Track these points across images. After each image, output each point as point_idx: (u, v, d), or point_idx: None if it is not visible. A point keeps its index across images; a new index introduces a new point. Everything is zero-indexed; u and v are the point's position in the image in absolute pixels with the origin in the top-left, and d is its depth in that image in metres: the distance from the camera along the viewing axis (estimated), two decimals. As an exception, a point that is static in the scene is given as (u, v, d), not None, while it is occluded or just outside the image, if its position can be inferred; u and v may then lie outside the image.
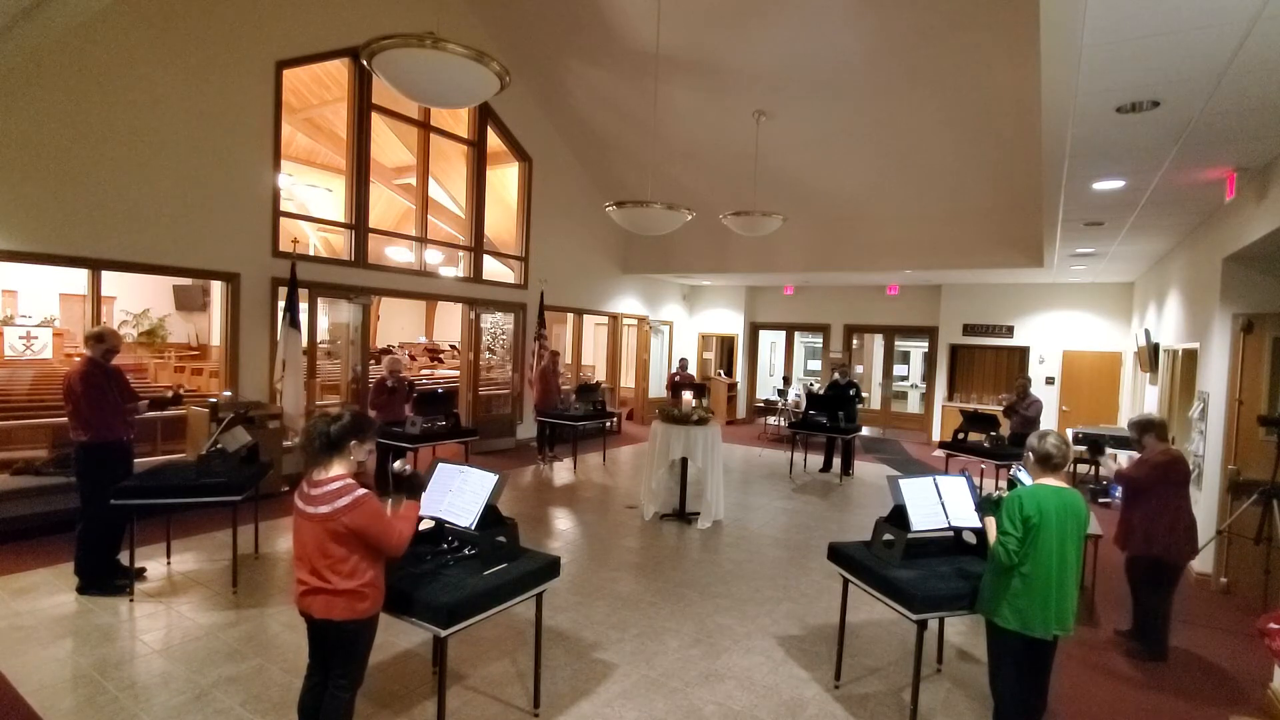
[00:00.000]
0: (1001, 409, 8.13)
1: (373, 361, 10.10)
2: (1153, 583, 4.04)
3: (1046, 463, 2.80)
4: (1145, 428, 4.09)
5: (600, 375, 13.66)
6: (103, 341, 4.39)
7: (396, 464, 2.65)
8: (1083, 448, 6.79)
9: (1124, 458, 7.11)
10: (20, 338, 10.19)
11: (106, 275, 5.95)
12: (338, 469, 2.44)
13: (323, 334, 9.65)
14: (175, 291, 13.04)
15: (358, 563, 2.39)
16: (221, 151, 6.47)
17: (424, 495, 3.22)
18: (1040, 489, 2.75)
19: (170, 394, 5.36)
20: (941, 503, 3.39)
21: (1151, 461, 4.00)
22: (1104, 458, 6.38)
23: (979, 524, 3.36)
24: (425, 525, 3.29)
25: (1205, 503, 5.20)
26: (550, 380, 9.22)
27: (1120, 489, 4.15)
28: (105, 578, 4.32)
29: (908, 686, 3.35)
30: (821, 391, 9.53)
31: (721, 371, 14.89)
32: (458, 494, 3.14)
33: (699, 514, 6.45)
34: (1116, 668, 3.92)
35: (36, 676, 3.30)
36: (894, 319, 13.20)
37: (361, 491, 2.39)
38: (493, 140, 9.68)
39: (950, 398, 12.25)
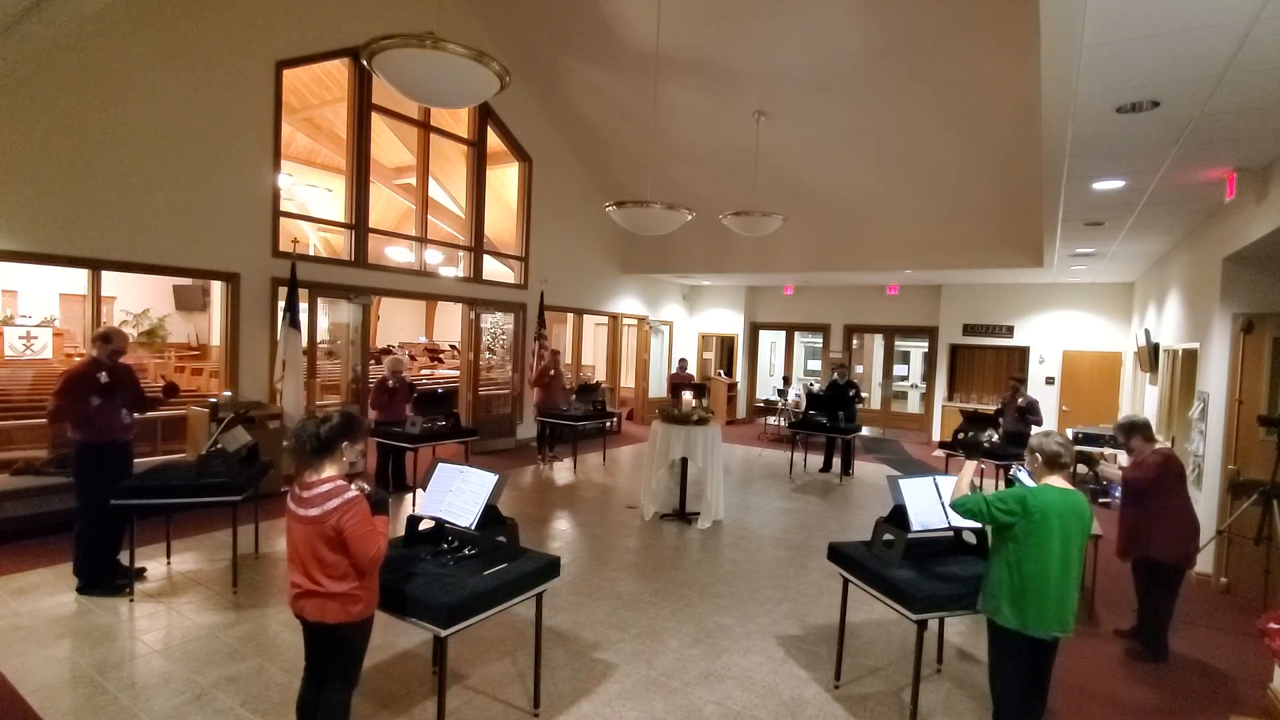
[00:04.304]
0: (993, 409, 8.15)
1: (373, 361, 10.10)
2: (1160, 583, 4.03)
3: (1054, 462, 2.79)
4: (1130, 430, 4.09)
5: (600, 375, 13.66)
6: (109, 342, 4.33)
7: (354, 484, 2.58)
8: (1084, 447, 6.75)
9: (1124, 459, 7.11)
10: (20, 338, 10.18)
11: (106, 275, 5.95)
12: (329, 471, 2.43)
13: (323, 334, 9.62)
14: (175, 291, 13.04)
15: (351, 565, 2.38)
16: (221, 151, 6.47)
17: (424, 495, 3.24)
18: (1046, 490, 2.74)
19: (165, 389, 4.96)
20: (941, 503, 3.39)
21: (1149, 462, 3.99)
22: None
23: (977, 525, 3.36)
24: (425, 525, 3.30)
25: (1205, 503, 5.19)
26: (552, 379, 9.23)
27: (1120, 490, 4.13)
28: (105, 578, 4.31)
29: (908, 686, 3.35)
30: (821, 391, 9.53)
31: (721, 371, 14.88)
32: (458, 494, 3.14)
33: (699, 514, 6.45)
34: (1116, 668, 3.92)
35: (36, 676, 3.30)
36: (894, 319, 13.20)
37: (352, 494, 2.38)
38: (493, 140, 9.68)
39: (950, 398, 12.25)
